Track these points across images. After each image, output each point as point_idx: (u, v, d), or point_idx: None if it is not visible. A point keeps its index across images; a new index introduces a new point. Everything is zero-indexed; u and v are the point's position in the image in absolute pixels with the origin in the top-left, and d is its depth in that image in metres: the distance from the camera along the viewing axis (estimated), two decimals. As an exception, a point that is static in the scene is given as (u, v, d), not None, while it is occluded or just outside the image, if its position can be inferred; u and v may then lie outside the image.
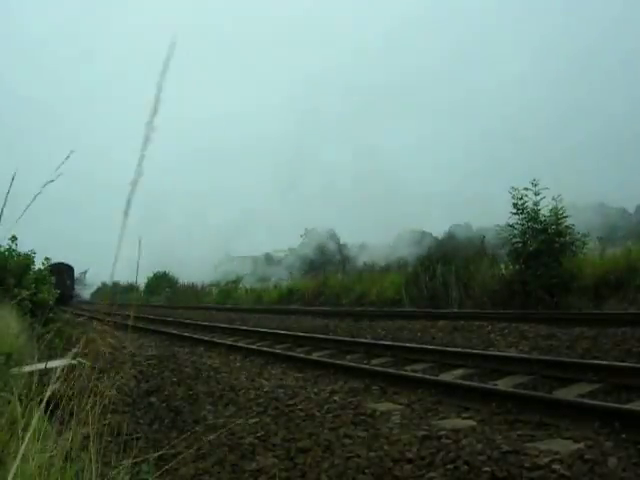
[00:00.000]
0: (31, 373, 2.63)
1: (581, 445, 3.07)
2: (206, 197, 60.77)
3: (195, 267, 36.06)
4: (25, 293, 11.15)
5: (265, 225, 41.65)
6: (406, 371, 5.89)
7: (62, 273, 18.52)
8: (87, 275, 53.29)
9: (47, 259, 13.24)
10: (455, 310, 12.47)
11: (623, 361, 5.34)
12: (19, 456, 1.12)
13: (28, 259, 12.61)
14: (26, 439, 1.24)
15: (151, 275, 41.87)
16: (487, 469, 2.77)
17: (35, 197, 1.84)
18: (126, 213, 1.52)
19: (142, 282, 43.03)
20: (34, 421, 1.42)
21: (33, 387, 2.15)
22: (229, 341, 9.89)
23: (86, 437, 1.84)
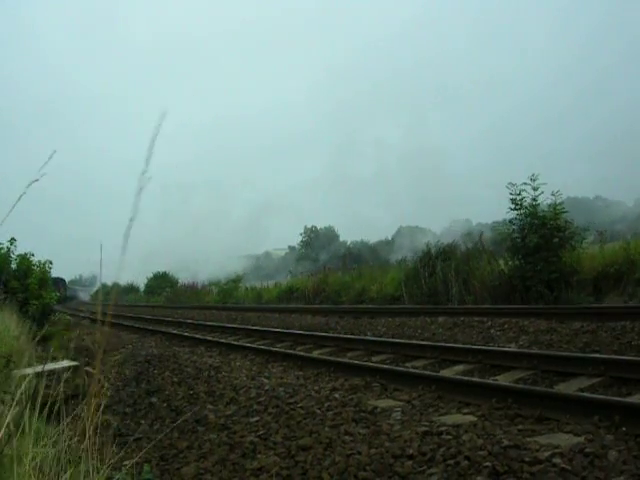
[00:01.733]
0: (31, 375, 2.62)
1: (581, 439, 3.08)
2: (231, 191, 61.70)
3: (217, 263, 35.87)
4: (33, 303, 11.30)
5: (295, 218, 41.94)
6: (407, 368, 5.89)
7: (57, 283, 25.90)
8: (84, 278, 58.48)
9: (49, 262, 13.31)
10: (455, 306, 12.48)
11: (623, 354, 5.36)
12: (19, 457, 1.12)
13: (28, 262, 12.63)
14: (26, 440, 1.24)
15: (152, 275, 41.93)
16: (488, 464, 2.77)
17: (20, 197, 1.84)
18: (123, 248, 1.54)
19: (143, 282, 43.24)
20: (33, 422, 1.42)
21: (33, 389, 2.15)
22: (230, 340, 9.90)
23: (86, 437, 1.84)
